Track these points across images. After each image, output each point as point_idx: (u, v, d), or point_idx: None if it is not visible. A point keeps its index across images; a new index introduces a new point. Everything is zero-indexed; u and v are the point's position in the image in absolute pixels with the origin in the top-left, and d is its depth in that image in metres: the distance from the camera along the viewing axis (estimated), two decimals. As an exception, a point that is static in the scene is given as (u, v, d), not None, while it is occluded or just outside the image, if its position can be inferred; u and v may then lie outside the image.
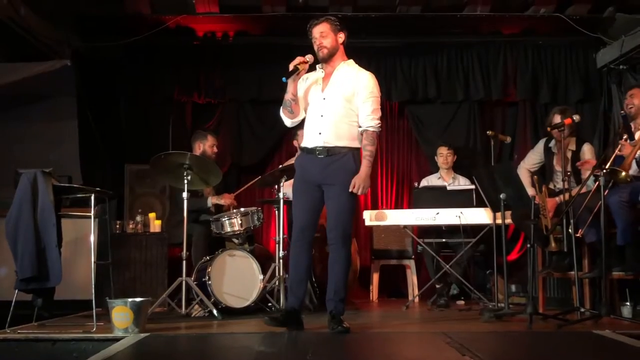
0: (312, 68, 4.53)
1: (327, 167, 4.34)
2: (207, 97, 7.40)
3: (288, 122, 4.61)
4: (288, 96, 4.46)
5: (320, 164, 4.36)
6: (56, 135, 7.32)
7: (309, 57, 4.45)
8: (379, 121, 4.40)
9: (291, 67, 4.35)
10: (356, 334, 4.24)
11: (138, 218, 6.53)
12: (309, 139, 4.44)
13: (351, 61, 4.55)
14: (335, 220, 4.35)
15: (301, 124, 4.62)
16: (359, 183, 4.28)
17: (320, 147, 4.35)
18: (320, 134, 4.36)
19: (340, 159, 4.33)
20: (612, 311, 4.70)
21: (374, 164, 7.47)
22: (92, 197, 4.58)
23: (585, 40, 7.24)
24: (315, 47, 4.44)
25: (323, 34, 4.39)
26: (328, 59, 4.44)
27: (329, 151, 4.34)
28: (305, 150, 4.47)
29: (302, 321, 4.40)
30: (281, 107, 4.57)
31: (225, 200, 6.08)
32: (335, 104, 4.37)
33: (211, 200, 6.03)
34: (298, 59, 4.38)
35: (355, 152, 4.38)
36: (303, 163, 4.50)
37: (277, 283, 5.48)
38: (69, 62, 6.73)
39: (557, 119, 5.63)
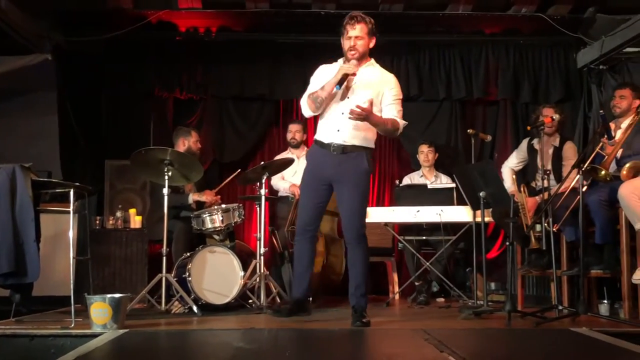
0: (333, 60, 4.56)
1: (340, 165, 4.39)
2: (188, 93, 7.37)
3: (309, 113, 4.54)
4: (323, 94, 4.36)
5: (333, 161, 4.40)
6: (36, 130, 7.26)
7: (355, 69, 4.34)
8: (406, 122, 4.51)
9: (340, 75, 4.27)
10: (335, 330, 4.26)
11: (118, 214, 6.50)
12: (326, 134, 4.46)
13: (373, 61, 4.58)
14: (348, 221, 4.46)
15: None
16: (362, 111, 4.16)
17: (336, 144, 4.39)
18: (338, 130, 4.39)
19: (354, 159, 4.39)
20: (589, 309, 4.74)
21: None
22: (72, 192, 4.54)
23: (566, 41, 7.30)
24: (347, 46, 4.40)
25: (359, 37, 4.37)
26: (357, 62, 4.39)
27: (344, 149, 4.38)
28: (320, 144, 4.49)
29: (309, 308, 4.66)
30: (307, 97, 4.49)
31: (206, 197, 6.06)
32: (359, 104, 4.25)
33: (192, 197, 6.00)
34: (348, 67, 4.31)
35: (368, 152, 4.45)
36: (315, 158, 4.56)
37: (257, 280, 5.47)
38: (49, 57, 6.70)
39: (550, 112, 5.66)
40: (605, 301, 5.17)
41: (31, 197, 4.37)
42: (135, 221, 6.49)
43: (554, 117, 5.39)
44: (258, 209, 5.69)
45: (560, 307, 4.88)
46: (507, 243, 4.78)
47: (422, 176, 6.83)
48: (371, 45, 4.47)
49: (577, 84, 7.41)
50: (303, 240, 4.60)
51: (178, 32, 7.24)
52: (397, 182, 6.94)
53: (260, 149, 7.59)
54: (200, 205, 6.06)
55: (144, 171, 5.62)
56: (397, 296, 6.55)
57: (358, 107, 4.18)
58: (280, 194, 6.80)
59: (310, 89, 4.54)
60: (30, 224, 4.33)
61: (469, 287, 6.66)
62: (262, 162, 5.72)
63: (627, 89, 5.42)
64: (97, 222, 6.45)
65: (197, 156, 6.03)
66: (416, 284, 6.20)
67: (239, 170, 6.10)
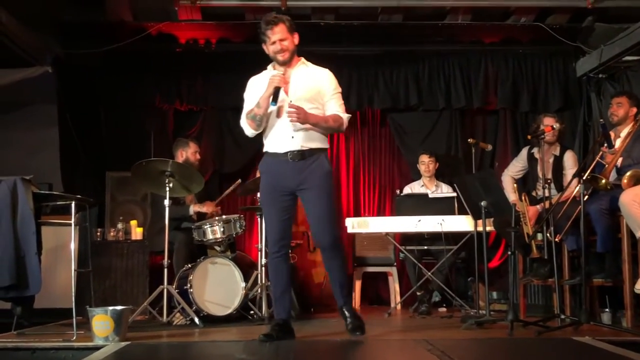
0: (260, 70, 4.43)
1: (302, 172, 4.17)
2: (189, 104, 7.39)
3: (251, 132, 4.34)
4: (260, 111, 4.20)
5: (293, 169, 4.18)
6: (37, 142, 7.26)
7: (281, 70, 4.24)
8: (349, 115, 4.37)
9: (271, 90, 4.13)
10: (337, 341, 4.25)
11: (119, 226, 6.50)
12: (280, 144, 4.22)
13: (304, 59, 4.39)
14: (320, 226, 4.23)
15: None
16: (300, 111, 4.06)
17: (294, 150, 4.17)
18: (293, 137, 4.18)
19: (314, 162, 4.19)
20: (592, 318, 4.73)
21: (356, 171, 7.61)
22: (73, 205, 4.54)
23: (564, 50, 7.33)
24: (273, 50, 4.23)
25: (282, 38, 4.20)
26: (288, 63, 4.26)
27: (303, 154, 4.17)
28: (273, 155, 4.26)
29: (293, 330, 4.30)
30: (245, 117, 4.34)
31: (207, 208, 6.05)
32: (302, 105, 4.15)
33: (193, 208, 5.99)
34: (278, 79, 4.14)
35: (325, 153, 4.31)
36: (272, 170, 4.29)
37: (259, 290, 5.47)
38: (50, 69, 6.72)
39: (550, 121, 5.66)
40: (607, 310, 5.16)
41: (32, 209, 4.37)
42: (136, 233, 6.49)
43: (555, 126, 5.39)
44: (259, 219, 5.68)
45: (562, 316, 4.85)
46: (509, 252, 4.77)
47: (422, 186, 6.83)
48: (295, 41, 4.26)
49: (577, 93, 7.43)
50: (277, 259, 4.27)
51: (178, 44, 7.27)
52: (397, 191, 6.93)
53: (260, 159, 7.55)
54: (201, 216, 6.06)
55: (145, 183, 5.62)
56: (398, 306, 6.54)
57: (291, 105, 4.08)
58: None
59: (246, 106, 4.38)
60: (32, 237, 4.32)
61: (471, 297, 6.64)
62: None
63: (623, 97, 5.42)
64: (98, 234, 6.45)
65: (196, 167, 6.02)
66: (418, 293, 6.18)
67: (239, 181, 6.10)
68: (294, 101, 4.18)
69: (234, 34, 7.22)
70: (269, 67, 4.38)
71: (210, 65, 7.36)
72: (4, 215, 4.32)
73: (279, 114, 4.23)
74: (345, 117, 4.31)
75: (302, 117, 4.08)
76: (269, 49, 4.28)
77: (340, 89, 4.38)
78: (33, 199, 4.41)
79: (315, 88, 4.28)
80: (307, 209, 4.28)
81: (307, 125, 4.17)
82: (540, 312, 5.84)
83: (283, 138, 4.22)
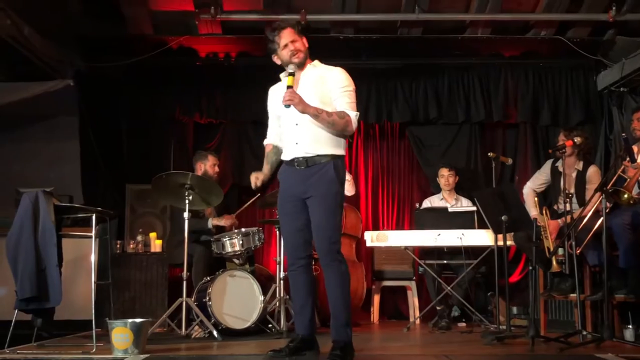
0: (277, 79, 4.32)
1: (308, 180, 4.00)
2: (208, 117, 7.42)
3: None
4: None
5: (300, 176, 4.03)
6: (58, 154, 7.33)
7: (293, 67, 4.08)
8: (357, 112, 4.06)
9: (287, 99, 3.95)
10: (356, 356, 4.20)
11: (139, 238, 6.53)
12: (287, 151, 4.13)
13: (317, 61, 4.23)
14: (318, 236, 4.00)
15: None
16: (294, 96, 3.90)
17: (299, 157, 4.03)
18: (297, 143, 4.04)
19: (320, 170, 3.99)
20: (614, 334, 4.66)
21: (375, 184, 7.59)
22: (93, 217, 4.58)
23: (585, 63, 7.29)
24: (287, 54, 4.09)
25: (292, 39, 4.08)
26: (302, 64, 4.13)
27: (308, 162, 4.01)
28: (285, 162, 4.17)
29: (316, 344, 4.12)
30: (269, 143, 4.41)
31: (225, 221, 6.06)
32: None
33: (212, 222, 6.00)
34: (288, 80, 4.02)
35: (338, 161, 4.03)
36: (284, 177, 4.19)
37: (277, 304, 5.46)
38: (71, 82, 6.78)
39: (562, 137, 5.63)
40: (630, 326, 5.09)
41: (54, 222, 4.41)
42: (156, 245, 6.51)
43: (576, 141, 5.32)
44: (277, 232, 5.68)
45: (584, 333, 4.80)
46: (530, 267, 4.73)
47: (442, 199, 6.80)
48: (305, 44, 4.14)
49: (598, 107, 7.37)
50: (293, 272, 4.12)
51: (198, 57, 7.32)
52: (417, 205, 6.90)
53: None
54: (220, 229, 6.06)
55: (165, 195, 5.64)
56: (417, 321, 6.49)
57: (287, 92, 3.91)
58: None
59: (270, 124, 4.35)
60: (53, 249, 4.36)
61: (491, 312, 6.59)
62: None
63: None
64: (118, 246, 6.48)
65: (215, 180, 6.04)
66: (437, 308, 6.14)
67: (258, 194, 6.10)
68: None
69: (253, 47, 7.25)
70: (281, 75, 4.24)
71: (230, 79, 7.39)
72: (26, 228, 4.36)
73: (287, 121, 4.12)
74: (353, 114, 4.02)
75: (296, 101, 3.89)
76: (281, 55, 4.14)
77: (352, 87, 4.10)
78: (54, 211, 4.46)
79: (324, 87, 4.08)
80: (310, 217, 4.07)
81: (311, 129, 4.01)
82: (562, 327, 5.77)
83: (289, 145, 4.12)
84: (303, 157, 4.02)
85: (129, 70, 7.12)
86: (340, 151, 4.08)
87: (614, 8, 6.41)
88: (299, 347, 4.03)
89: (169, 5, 6.59)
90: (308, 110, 3.92)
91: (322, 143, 4.02)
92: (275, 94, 4.23)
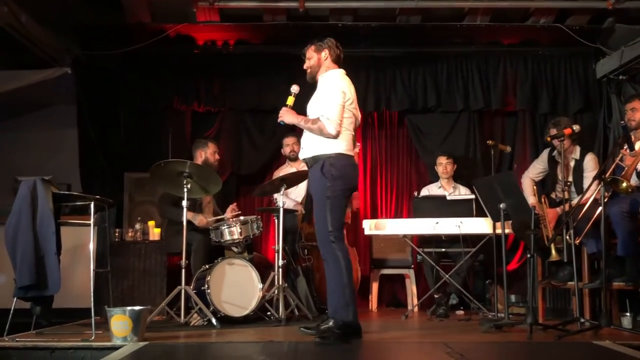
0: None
1: (310, 177, 4.52)
2: (206, 105, 7.40)
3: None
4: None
5: (309, 176, 4.59)
6: (56, 143, 7.33)
7: (295, 89, 4.64)
8: (332, 127, 4.31)
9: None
10: (356, 343, 4.22)
11: (137, 226, 6.53)
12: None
13: (330, 71, 4.57)
14: (316, 227, 4.45)
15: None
16: (282, 113, 4.52)
17: (304, 159, 4.55)
18: (303, 148, 4.56)
19: (315, 168, 4.42)
20: (612, 322, 4.68)
21: (374, 173, 7.60)
22: (92, 205, 4.57)
23: (584, 51, 7.27)
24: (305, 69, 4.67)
25: (308, 57, 4.62)
26: (312, 79, 4.63)
27: (309, 162, 4.49)
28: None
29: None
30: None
31: (199, 221, 5.91)
32: (310, 116, 4.49)
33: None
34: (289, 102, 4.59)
35: (330, 159, 4.33)
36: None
37: (276, 292, 5.46)
38: (69, 70, 6.76)
39: (552, 132, 5.64)
40: (628, 314, 5.12)
41: (52, 210, 4.40)
42: (154, 233, 6.51)
43: (574, 129, 5.32)
44: (276, 221, 5.68)
45: (582, 320, 4.81)
46: (528, 255, 4.73)
47: (440, 187, 6.79)
48: (324, 58, 4.58)
49: (597, 95, 7.36)
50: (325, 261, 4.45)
51: (196, 45, 7.28)
52: (415, 193, 6.90)
53: (277, 161, 7.57)
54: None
55: (163, 184, 5.63)
56: (416, 309, 6.52)
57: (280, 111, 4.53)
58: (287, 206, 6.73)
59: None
60: (51, 237, 4.35)
61: (489, 300, 6.61)
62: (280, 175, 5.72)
63: (635, 101, 5.40)
64: (117, 234, 6.48)
65: (215, 168, 6.04)
66: (435, 296, 6.15)
67: (229, 215, 6.04)
68: (307, 113, 4.55)
69: (252, 35, 7.22)
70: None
71: (228, 67, 7.37)
72: (24, 216, 4.35)
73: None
74: (325, 119, 4.32)
75: (284, 116, 4.52)
76: None
77: (331, 93, 4.40)
78: (52, 199, 4.44)
79: (318, 97, 4.51)
80: None
81: (310, 136, 4.46)
82: (559, 315, 5.79)
83: (301, 149, 4.64)
84: (306, 159, 4.52)
85: (127, 58, 7.11)
86: (336, 149, 4.38)
87: (613, -5, 6.40)
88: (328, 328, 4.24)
89: (167, -8, 6.57)
90: (294, 121, 4.51)
91: (314, 145, 4.44)
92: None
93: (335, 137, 4.33)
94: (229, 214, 6.05)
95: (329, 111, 4.34)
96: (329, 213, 4.30)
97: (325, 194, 4.31)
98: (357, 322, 4.28)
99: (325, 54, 4.56)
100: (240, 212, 6.13)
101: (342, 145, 4.39)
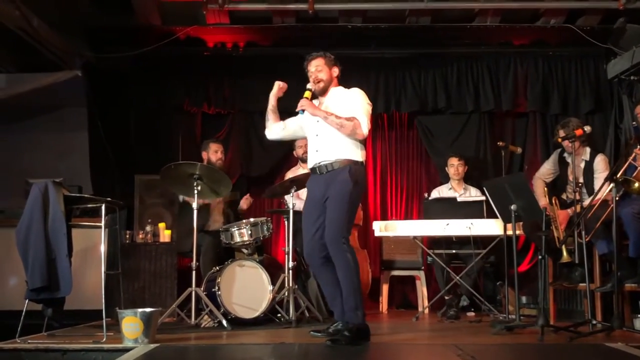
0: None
1: (327, 183, 4.38)
2: (216, 107, 7.42)
3: (267, 133, 4.91)
4: (268, 107, 4.84)
5: (322, 181, 4.42)
6: (66, 145, 7.36)
7: (310, 85, 4.58)
8: (366, 129, 4.38)
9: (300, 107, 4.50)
10: (366, 344, 4.21)
11: (148, 228, 6.54)
12: (310, 159, 4.55)
13: (341, 88, 4.61)
14: (328, 228, 4.34)
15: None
16: (305, 102, 4.46)
17: (318, 164, 4.44)
18: (317, 151, 4.46)
19: (338, 174, 4.36)
20: (624, 324, 4.65)
21: (384, 174, 7.58)
22: (103, 207, 4.58)
23: (595, 51, 7.23)
24: (312, 80, 4.57)
25: (318, 68, 4.55)
26: (322, 92, 4.57)
27: (327, 167, 4.40)
28: (311, 170, 4.57)
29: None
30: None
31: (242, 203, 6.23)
32: (328, 127, 4.43)
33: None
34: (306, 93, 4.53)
35: (355, 166, 4.38)
36: (309, 184, 4.59)
37: (286, 294, 5.46)
38: (79, 73, 6.80)
39: (561, 133, 5.62)
40: (640, 316, 5.08)
41: (63, 212, 4.41)
42: (165, 235, 6.52)
43: (586, 130, 5.29)
44: (286, 222, 5.68)
45: (594, 322, 4.79)
46: (539, 256, 4.70)
47: (451, 189, 6.78)
48: (334, 74, 4.59)
49: (608, 95, 7.32)
50: (319, 270, 4.49)
51: (206, 48, 7.30)
52: (425, 195, 6.89)
53: (287, 162, 7.57)
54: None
55: (174, 186, 5.65)
56: (426, 310, 6.50)
57: (300, 101, 4.46)
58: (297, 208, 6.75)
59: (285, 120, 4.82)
60: (63, 239, 4.36)
61: (499, 301, 6.58)
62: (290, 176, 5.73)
63: None
64: (127, 236, 6.50)
65: (219, 167, 6.03)
66: (446, 298, 6.13)
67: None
68: (320, 122, 4.47)
69: (261, 37, 7.23)
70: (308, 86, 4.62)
71: (238, 69, 7.38)
72: (36, 218, 4.37)
73: (309, 133, 4.59)
74: (364, 119, 4.36)
75: (306, 106, 4.44)
76: (311, 81, 4.61)
77: (367, 104, 4.47)
78: (64, 201, 4.46)
79: (344, 104, 4.46)
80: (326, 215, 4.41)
81: (331, 138, 4.39)
82: (571, 317, 5.76)
83: (311, 153, 4.54)
84: (322, 164, 4.42)
85: (137, 61, 7.12)
86: (357, 157, 4.43)
87: (624, -4, 6.37)
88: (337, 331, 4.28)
89: (177, -5, 6.59)
90: (318, 113, 4.43)
91: (340, 148, 4.40)
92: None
93: (364, 138, 4.41)
94: (244, 204, 6.23)
95: (362, 114, 4.38)
96: (345, 215, 4.32)
97: (345, 198, 4.31)
98: (366, 324, 4.28)
99: (336, 71, 4.59)
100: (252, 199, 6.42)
101: (364, 153, 4.50)
